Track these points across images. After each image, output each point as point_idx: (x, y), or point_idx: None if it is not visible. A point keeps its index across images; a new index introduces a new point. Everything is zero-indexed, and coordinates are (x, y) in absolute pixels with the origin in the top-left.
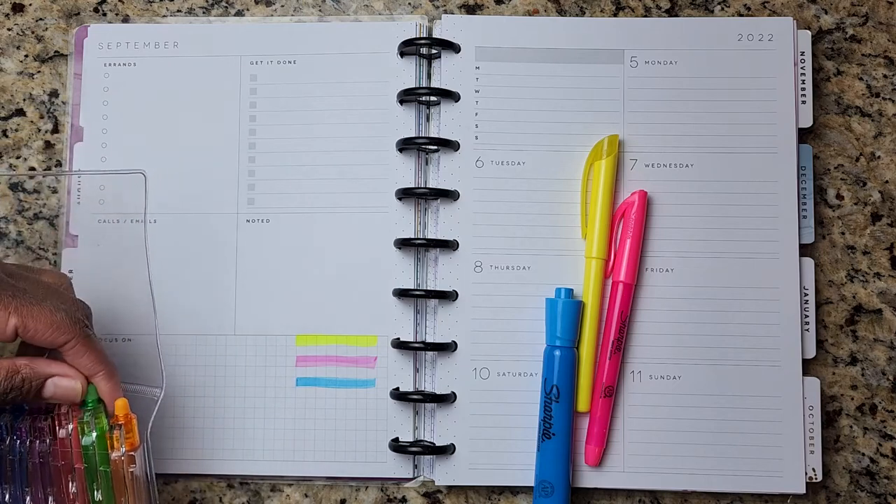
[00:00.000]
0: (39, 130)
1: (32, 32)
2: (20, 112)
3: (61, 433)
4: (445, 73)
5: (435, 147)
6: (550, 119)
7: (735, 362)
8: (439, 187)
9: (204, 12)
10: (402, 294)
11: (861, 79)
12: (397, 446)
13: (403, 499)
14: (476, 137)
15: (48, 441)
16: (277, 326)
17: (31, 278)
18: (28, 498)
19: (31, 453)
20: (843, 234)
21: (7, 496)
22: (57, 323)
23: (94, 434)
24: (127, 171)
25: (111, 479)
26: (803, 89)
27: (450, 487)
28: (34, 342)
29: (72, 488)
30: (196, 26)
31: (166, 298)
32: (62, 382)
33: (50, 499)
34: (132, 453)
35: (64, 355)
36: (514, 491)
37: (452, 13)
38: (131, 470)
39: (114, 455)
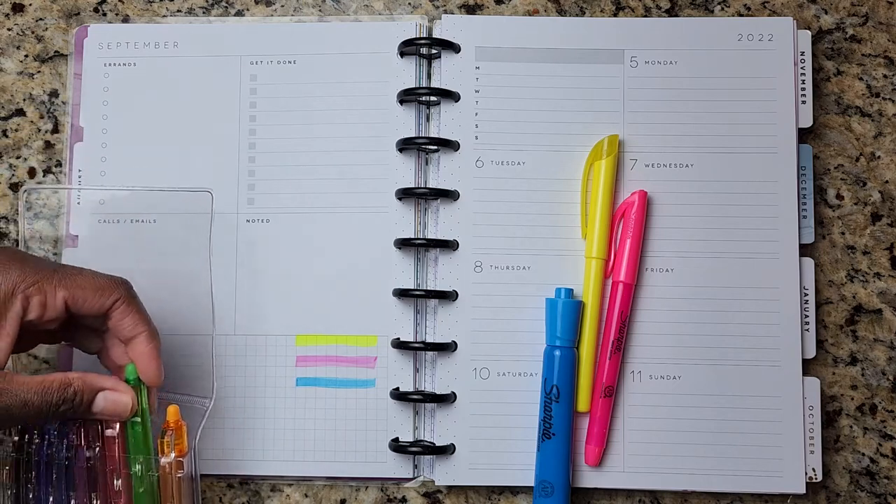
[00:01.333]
0: (39, 130)
1: (32, 32)
2: (20, 112)
3: (108, 432)
4: (445, 73)
5: (435, 147)
6: (550, 119)
7: (735, 362)
8: (439, 187)
9: (204, 12)
10: (402, 294)
11: (861, 79)
12: (397, 446)
13: (403, 499)
14: (476, 137)
15: (96, 449)
16: (277, 326)
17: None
18: (73, 501)
19: (77, 458)
20: (843, 234)
21: (51, 500)
22: (101, 286)
23: (173, 455)
24: (195, 189)
25: (158, 484)
26: (803, 89)
27: (450, 487)
28: (84, 311)
29: (116, 486)
30: (196, 26)
31: (166, 298)
32: (112, 396)
33: (96, 501)
34: (181, 459)
35: (110, 320)
36: (514, 491)
37: (452, 13)
38: (179, 475)
39: (163, 460)
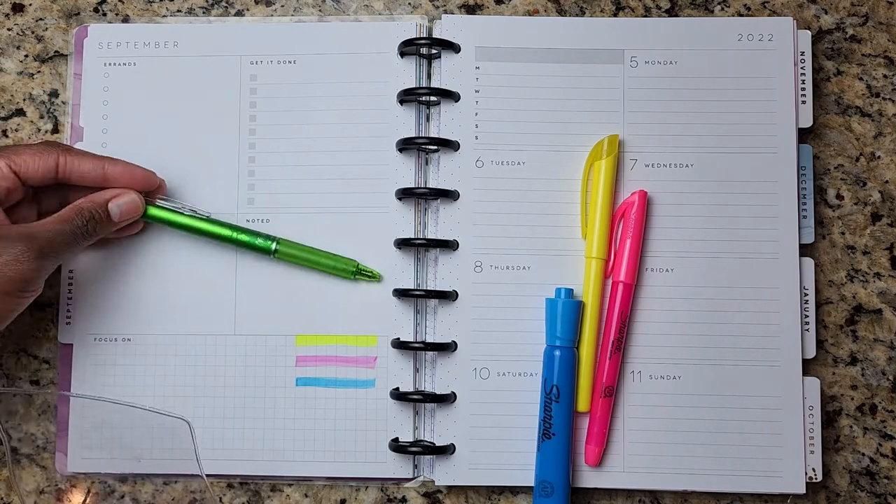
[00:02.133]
0: (39, 130)
1: (32, 32)
2: (20, 112)
3: None
4: (445, 73)
5: (435, 147)
6: (550, 119)
7: (735, 362)
8: (439, 187)
9: (204, 12)
10: (402, 294)
11: (861, 79)
12: (397, 446)
13: (403, 499)
14: (476, 137)
15: None
16: (277, 326)
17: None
18: None
19: None
20: (843, 234)
21: None
22: (37, 149)
23: None
24: (173, 415)
25: None
26: (803, 89)
27: (450, 487)
28: (31, 173)
29: None
30: (196, 26)
31: (166, 298)
32: (120, 200)
33: None
34: None
35: (67, 176)
36: (514, 491)
37: (452, 13)
38: None
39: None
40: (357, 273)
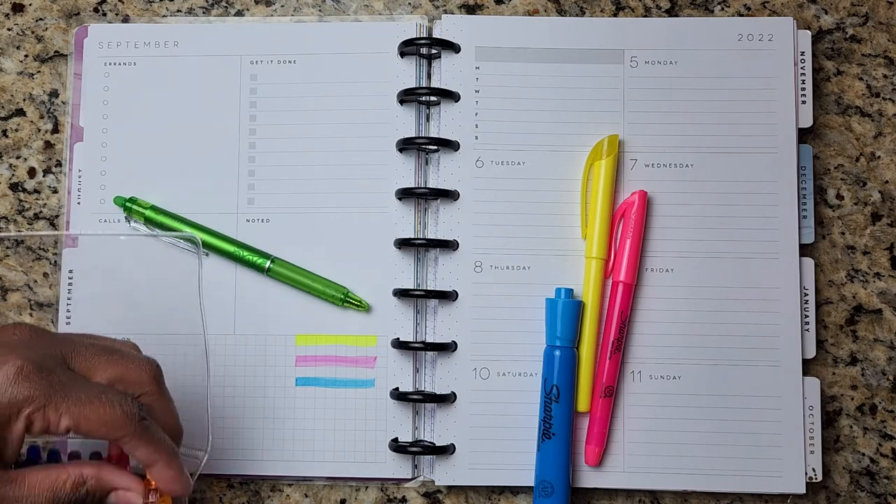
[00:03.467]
0: (39, 130)
1: (32, 32)
2: (20, 112)
3: None
4: (445, 73)
5: (435, 147)
6: (550, 119)
7: (735, 362)
8: (439, 187)
9: (204, 12)
10: (402, 294)
11: (861, 79)
12: (397, 446)
13: (403, 499)
14: (476, 137)
15: None
16: (277, 326)
17: (84, 373)
18: None
19: None
20: (843, 234)
21: None
22: (110, 421)
23: None
24: (180, 235)
25: None
26: (803, 89)
27: (450, 487)
28: (89, 438)
29: None
30: (196, 26)
31: (166, 298)
32: (124, 497)
33: None
34: None
35: (121, 445)
36: (514, 491)
37: (452, 13)
38: None
39: None
40: (345, 301)
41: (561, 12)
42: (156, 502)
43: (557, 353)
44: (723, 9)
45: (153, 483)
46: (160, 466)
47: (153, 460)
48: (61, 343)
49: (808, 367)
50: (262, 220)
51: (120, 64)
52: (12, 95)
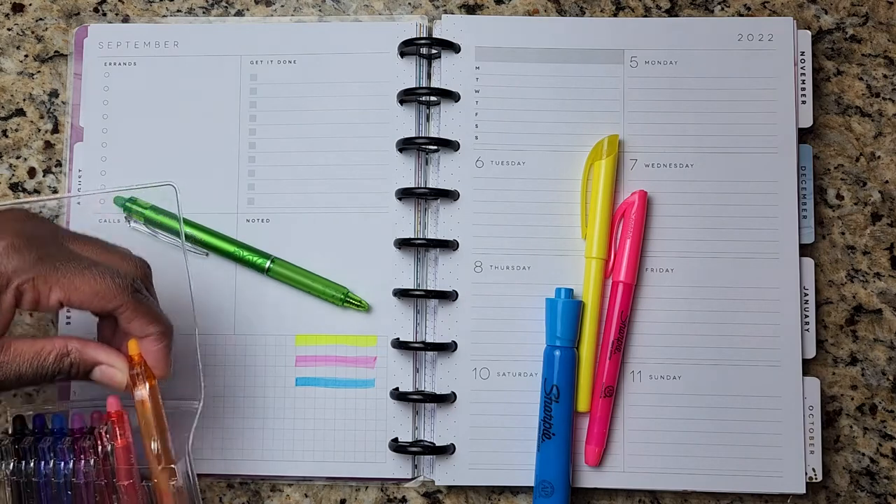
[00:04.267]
0: (39, 130)
1: (32, 32)
2: (20, 112)
3: (104, 450)
4: (445, 73)
5: (435, 147)
6: (550, 119)
7: (735, 362)
8: (439, 187)
9: (204, 12)
10: (402, 294)
11: (861, 79)
12: (397, 446)
13: (403, 499)
14: (476, 137)
15: (92, 461)
16: (277, 326)
17: (77, 247)
18: None
19: (75, 474)
20: (843, 234)
21: None
22: (101, 292)
23: (146, 388)
24: (156, 184)
25: (154, 492)
26: (803, 89)
27: (450, 487)
28: (81, 309)
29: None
30: (196, 26)
31: (167, 298)
32: (108, 372)
33: None
34: (172, 466)
35: (117, 316)
36: (514, 491)
37: (452, 13)
38: (173, 483)
39: (137, 394)
40: (345, 301)
41: (561, 12)
42: (139, 379)
43: (557, 353)
44: (723, 9)
45: (136, 360)
46: (152, 340)
47: (146, 332)
48: (57, 227)
49: (808, 367)
50: (262, 220)
51: (120, 64)
52: (12, 95)
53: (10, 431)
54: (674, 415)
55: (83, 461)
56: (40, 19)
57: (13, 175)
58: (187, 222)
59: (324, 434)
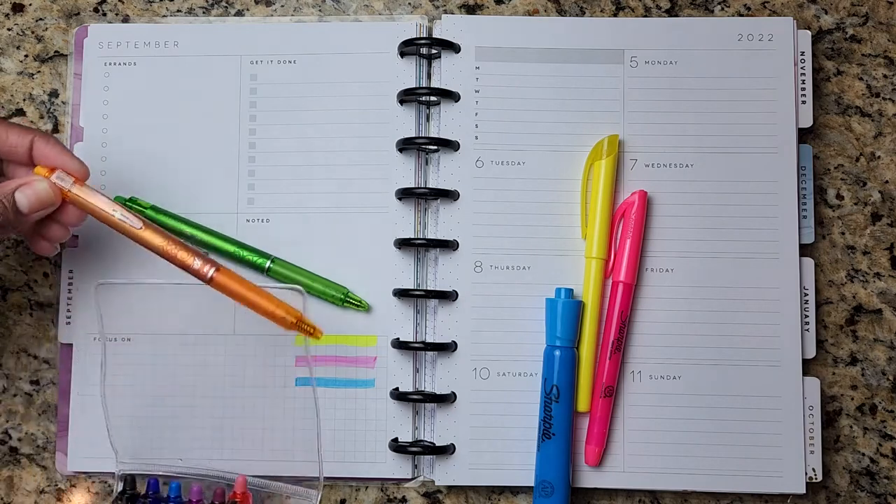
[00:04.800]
0: None
1: (32, 32)
2: (20, 112)
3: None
4: (445, 73)
5: (435, 147)
6: (550, 119)
7: (735, 362)
8: (439, 187)
9: (204, 12)
10: (402, 294)
11: (861, 79)
12: (397, 446)
13: (403, 499)
14: (476, 137)
15: None
16: (277, 326)
17: None
18: None
19: None
20: (843, 234)
21: None
22: (18, 128)
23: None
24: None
25: None
26: (803, 89)
27: (450, 487)
28: (4, 148)
29: None
30: (196, 26)
31: (167, 298)
32: (27, 188)
33: None
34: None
35: (33, 152)
36: (514, 491)
37: (452, 13)
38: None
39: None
40: (345, 300)
41: (561, 12)
42: (64, 181)
43: (557, 353)
44: (723, 9)
45: (53, 169)
46: (39, 139)
47: (27, 137)
48: None
49: (808, 367)
50: (262, 220)
51: (120, 64)
52: (12, 95)
53: (119, 489)
54: (674, 415)
55: None
56: (40, 19)
57: None
58: (187, 222)
59: (324, 434)
